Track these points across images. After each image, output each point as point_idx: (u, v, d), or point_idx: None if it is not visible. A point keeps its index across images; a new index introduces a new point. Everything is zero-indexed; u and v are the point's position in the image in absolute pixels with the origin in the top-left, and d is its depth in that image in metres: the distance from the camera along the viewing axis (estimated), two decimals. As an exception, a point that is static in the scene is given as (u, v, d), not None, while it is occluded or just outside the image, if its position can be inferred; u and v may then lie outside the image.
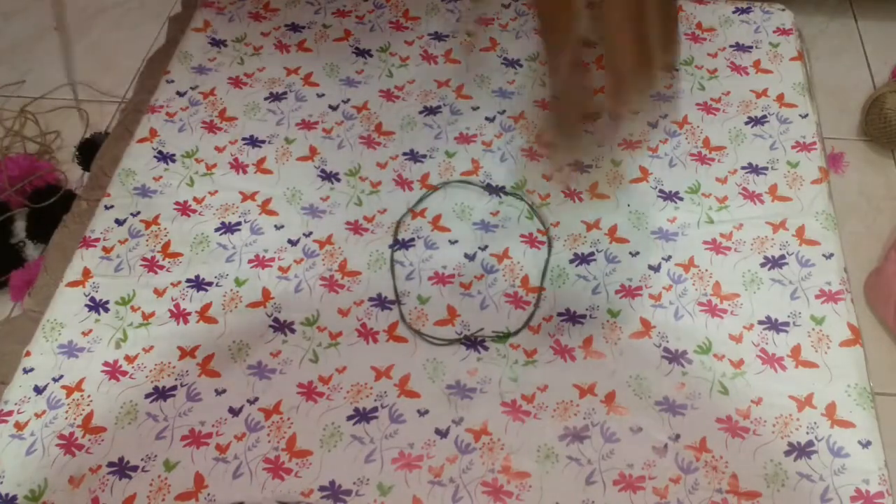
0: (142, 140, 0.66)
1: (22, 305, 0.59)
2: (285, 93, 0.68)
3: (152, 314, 0.56)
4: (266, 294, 0.56)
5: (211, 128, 0.66)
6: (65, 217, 0.64)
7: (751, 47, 0.70)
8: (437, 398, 0.51)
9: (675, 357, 0.53)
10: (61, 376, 0.53)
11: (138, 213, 0.61)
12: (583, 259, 0.57)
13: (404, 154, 0.64)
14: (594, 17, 0.46)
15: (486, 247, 0.58)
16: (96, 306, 0.56)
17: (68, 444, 0.50)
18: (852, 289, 0.57)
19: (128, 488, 0.48)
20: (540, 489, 0.48)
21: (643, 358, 0.53)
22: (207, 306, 0.56)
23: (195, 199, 0.62)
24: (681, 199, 0.61)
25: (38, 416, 0.51)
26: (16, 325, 0.58)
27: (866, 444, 0.49)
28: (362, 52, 0.71)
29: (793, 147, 0.63)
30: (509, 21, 0.73)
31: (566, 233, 0.59)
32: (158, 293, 0.57)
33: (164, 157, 0.64)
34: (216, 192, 0.62)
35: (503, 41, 0.71)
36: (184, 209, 0.61)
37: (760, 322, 0.54)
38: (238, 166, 0.64)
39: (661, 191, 0.61)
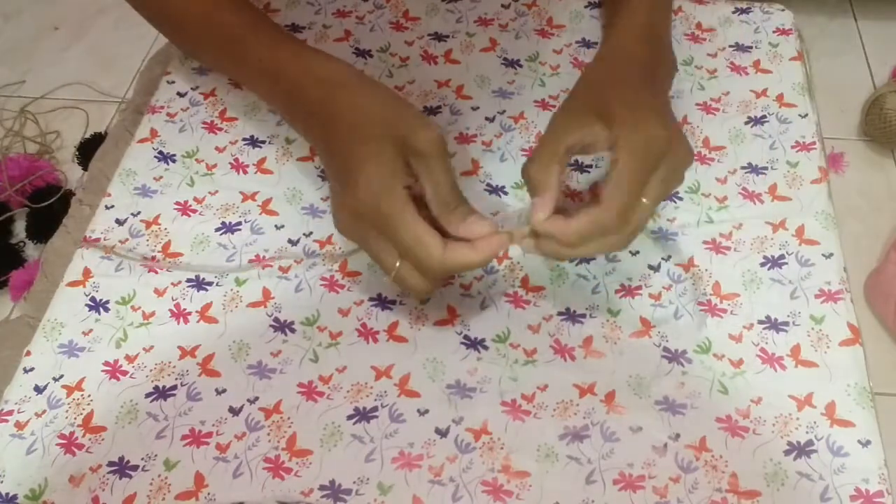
0: (142, 140, 0.66)
1: (18, 308, 0.59)
2: (285, 93, 0.68)
3: (152, 314, 0.56)
4: (266, 294, 0.56)
5: (211, 128, 0.66)
6: (65, 220, 0.64)
7: (750, 47, 0.70)
8: (437, 398, 0.51)
9: (674, 357, 0.53)
10: (62, 376, 0.53)
11: (139, 213, 0.61)
12: (582, 258, 0.57)
13: (404, 154, 0.64)
14: None
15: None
16: (96, 306, 0.56)
17: (68, 444, 0.50)
18: (852, 289, 0.57)
19: (128, 487, 0.48)
20: (540, 488, 0.48)
21: (643, 357, 0.53)
22: (207, 306, 0.56)
23: (195, 198, 0.62)
24: (680, 198, 0.61)
25: (38, 415, 0.51)
26: (11, 329, 0.58)
27: (866, 444, 0.49)
28: (362, 53, 0.71)
29: (792, 147, 0.63)
30: (509, 21, 0.73)
31: None
32: (159, 293, 0.57)
33: (164, 158, 0.64)
34: (216, 191, 0.62)
35: (503, 41, 0.71)
36: (184, 209, 0.61)
37: (760, 322, 0.54)
38: (238, 166, 0.64)
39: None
